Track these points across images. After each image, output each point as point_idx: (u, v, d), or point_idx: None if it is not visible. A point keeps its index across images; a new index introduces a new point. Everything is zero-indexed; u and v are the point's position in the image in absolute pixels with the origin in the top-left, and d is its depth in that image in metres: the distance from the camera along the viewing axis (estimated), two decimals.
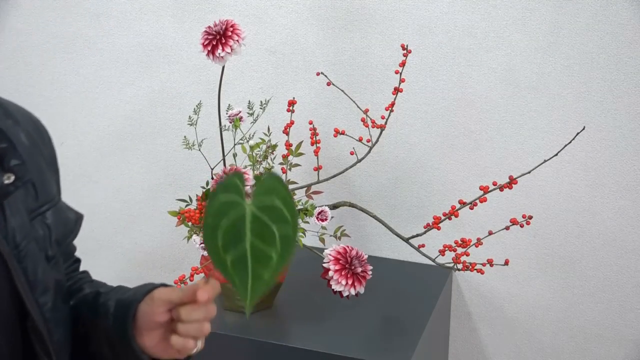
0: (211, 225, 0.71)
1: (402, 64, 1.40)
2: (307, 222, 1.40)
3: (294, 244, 0.72)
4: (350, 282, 1.22)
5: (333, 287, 1.23)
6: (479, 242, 1.33)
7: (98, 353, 0.94)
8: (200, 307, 0.83)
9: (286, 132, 1.42)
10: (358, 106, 1.49)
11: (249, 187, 0.73)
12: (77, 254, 1.03)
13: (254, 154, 1.36)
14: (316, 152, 1.45)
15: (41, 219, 0.87)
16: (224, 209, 0.71)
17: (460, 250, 1.34)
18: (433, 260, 1.37)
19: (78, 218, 0.97)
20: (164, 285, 0.90)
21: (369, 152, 1.46)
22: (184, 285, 1.29)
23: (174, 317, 0.85)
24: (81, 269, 1.04)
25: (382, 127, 1.43)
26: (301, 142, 1.44)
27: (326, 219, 1.37)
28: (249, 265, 0.71)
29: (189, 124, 1.44)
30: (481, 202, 1.33)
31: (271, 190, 0.72)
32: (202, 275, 1.40)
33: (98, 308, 0.93)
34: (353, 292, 1.23)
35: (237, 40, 1.30)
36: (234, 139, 1.40)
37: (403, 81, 1.41)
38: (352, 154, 1.48)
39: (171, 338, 0.85)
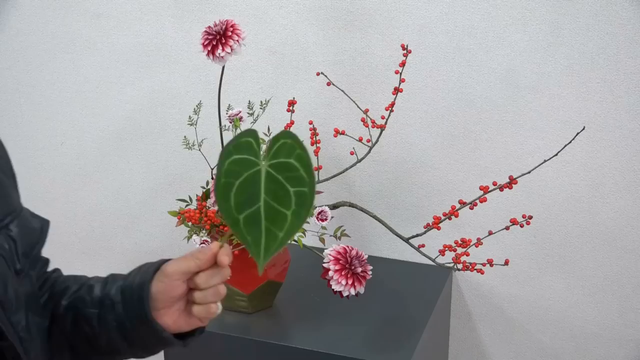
0: (223, 185, 0.70)
1: (402, 64, 1.40)
2: (307, 222, 1.40)
3: (312, 203, 0.70)
4: (350, 282, 1.22)
5: (333, 287, 1.23)
6: (479, 242, 1.33)
7: (109, 345, 0.91)
8: (216, 272, 0.83)
9: None
10: (358, 106, 1.49)
11: (263, 146, 0.71)
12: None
13: None
14: (316, 152, 1.45)
15: (5, 232, 0.84)
16: (237, 169, 0.70)
17: (460, 250, 1.34)
18: (433, 260, 1.37)
19: (43, 225, 0.93)
20: (164, 260, 0.89)
21: (369, 152, 1.46)
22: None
23: (191, 286, 0.85)
24: (81, 269, 1.03)
25: (382, 127, 1.43)
26: None
27: (326, 219, 1.37)
28: (262, 224, 0.70)
29: (189, 124, 1.44)
30: (481, 202, 1.33)
31: (286, 148, 0.70)
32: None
33: (101, 300, 0.91)
34: (353, 292, 1.23)
35: (237, 40, 1.30)
36: None
37: (403, 81, 1.41)
38: (352, 154, 1.48)
39: (193, 309, 0.85)
